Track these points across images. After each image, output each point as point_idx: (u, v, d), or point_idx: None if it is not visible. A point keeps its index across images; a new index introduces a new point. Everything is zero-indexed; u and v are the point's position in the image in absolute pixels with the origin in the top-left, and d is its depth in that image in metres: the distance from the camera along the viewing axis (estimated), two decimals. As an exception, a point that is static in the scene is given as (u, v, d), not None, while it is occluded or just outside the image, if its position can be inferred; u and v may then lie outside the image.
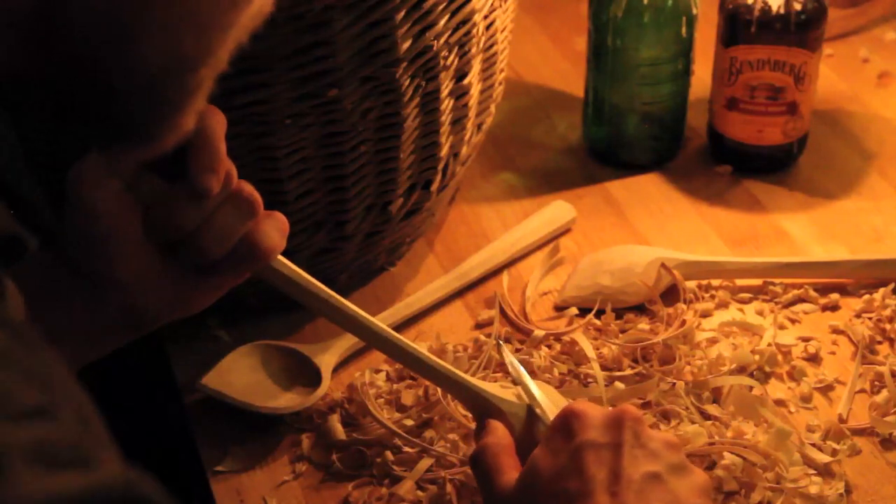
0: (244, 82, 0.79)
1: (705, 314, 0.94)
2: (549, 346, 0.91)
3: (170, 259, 0.69)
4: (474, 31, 0.90)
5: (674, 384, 0.87)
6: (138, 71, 0.48)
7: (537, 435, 0.75)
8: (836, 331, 0.93)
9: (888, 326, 0.92)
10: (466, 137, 0.97)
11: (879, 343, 0.91)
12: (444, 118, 0.91)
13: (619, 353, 0.89)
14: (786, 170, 1.10)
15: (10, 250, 0.56)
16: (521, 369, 0.79)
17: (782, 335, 0.92)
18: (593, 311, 0.94)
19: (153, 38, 0.47)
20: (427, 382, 0.86)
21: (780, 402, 0.87)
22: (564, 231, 1.04)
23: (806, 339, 0.92)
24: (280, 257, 0.74)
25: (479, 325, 0.95)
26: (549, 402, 0.77)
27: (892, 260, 0.97)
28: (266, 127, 0.82)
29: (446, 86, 0.90)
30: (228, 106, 0.78)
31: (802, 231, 1.04)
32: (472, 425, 0.79)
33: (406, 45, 0.84)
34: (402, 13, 0.82)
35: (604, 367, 0.88)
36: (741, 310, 0.95)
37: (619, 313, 0.94)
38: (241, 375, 0.87)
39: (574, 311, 0.95)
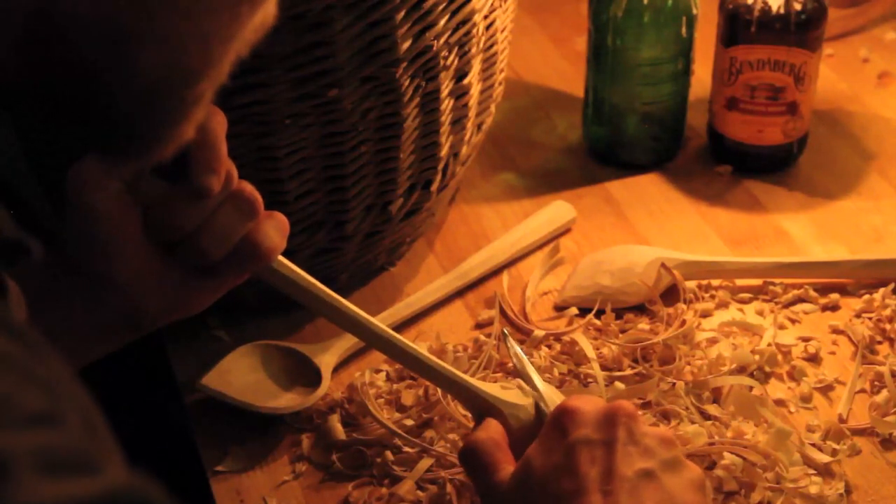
0: (244, 82, 0.79)
1: (705, 314, 0.94)
2: (549, 346, 0.91)
3: (170, 259, 0.69)
4: (474, 31, 0.90)
5: (674, 384, 0.87)
6: (138, 82, 0.48)
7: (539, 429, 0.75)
8: (836, 331, 0.93)
9: (888, 326, 0.92)
10: (466, 137, 0.97)
11: (879, 343, 0.91)
12: (444, 118, 0.91)
13: (619, 353, 0.89)
14: (786, 170, 1.10)
15: (14, 254, 0.55)
16: (526, 360, 0.79)
17: (782, 335, 0.92)
18: (593, 311, 0.94)
19: (153, 49, 0.47)
20: (427, 382, 0.86)
21: (780, 402, 0.87)
22: (564, 231, 1.04)
23: (806, 339, 0.92)
24: (280, 258, 0.74)
25: (479, 325, 0.95)
26: (552, 395, 0.77)
27: (892, 260, 0.97)
28: (266, 127, 0.82)
29: (446, 86, 0.90)
30: (228, 106, 0.78)
31: (802, 231, 1.04)
32: (472, 425, 0.79)
33: (406, 45, 0.84)
34: (402, 13, 0.82)
35: (604, 367, 0.89)
36: (741, 310, 0.95)
37: (619, 313, 0.94)
38: (241, 375, 0.87)
39: (574, 311, 0.95)
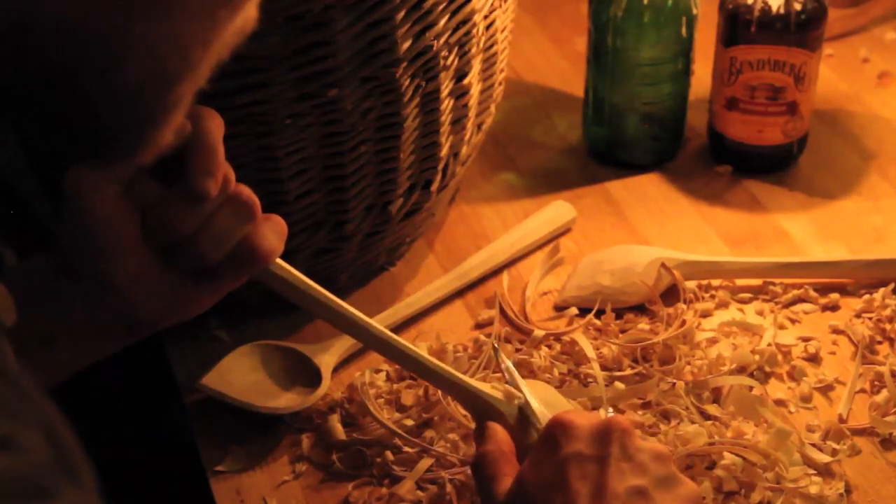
0: (244, 82, 0.79)
1: (705, 314, 0.94)
2: (549, 346, 0.91)
3: (168, 263, 0.69)
4: (474, 31, 0.90)
5: (674, 384, 0.87)
6: (117, 86, 0.48)
7: (531, 441, 0.74)
8: (836, 331, 0.93)
9: (888, 326, 0.92)
10: (466, 137, 0.97)
11: (879, 343, 0.91)
12: (444, 118, 0.91)
13: (619, 353, 0.89)
14: (786, 170, 1.10)
15: None
16: (517, 376, 0.79)
17: (782, 335, 0.92)
18: (593, 311, 0.94)
19: (132, 54, 0.47)
20: (427, 383, 0.86)
21: (780, 402, 0.87)
22: (564, 231, 1.04)
23: (806, 339, 0.92)
24: (279, 260, 0.74)
25: (479, 325, 0.95)
26: (544, 410, 0.77)
27: (892, 260, 0.97)
28: (266, 127, 0.82)
29: (446, 86, 0.90)
30: (228, 106, 0.79)
31: (802, 231, 1.04)
32: (472, 425, 0.79)
33: (406, 45, 0.84)
34: (402, 13, 0.82)
35: (604, 367, 0.88)
36: (741, 310, 0.95)
37: (619, 313, 0.94)
38: (241, 375, 0.87)
39: (574, 311, 0.95)
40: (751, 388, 0.86)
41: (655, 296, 0.94)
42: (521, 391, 0.78)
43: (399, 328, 0.93)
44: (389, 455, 0.82)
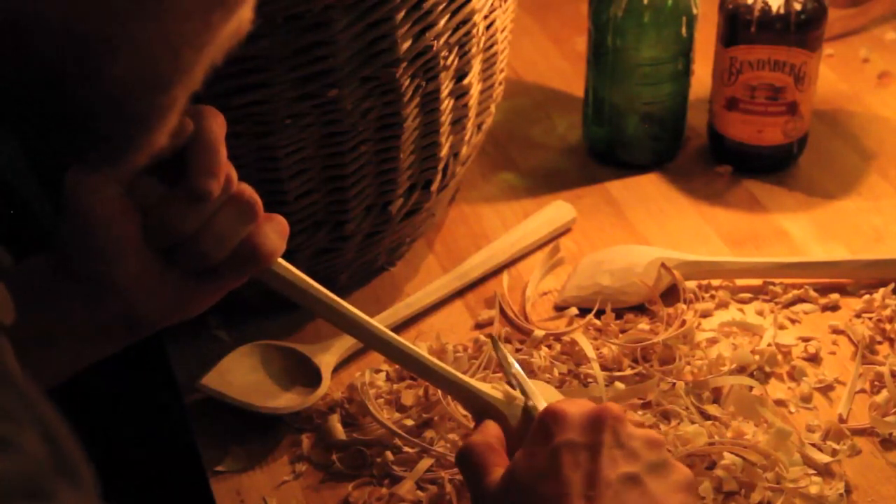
0: (244, 82, 0.79)
1: (705, 314, 0.94)
2: (549, 346, 0.91)
3: (168, 263, 0.69)
4: (474, 31, 0.90)
5: (674, 384, 0.87)
6: (109, 89, 0.47)
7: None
8: (836, 331, 0.93)
9: (888, 326, 0.92)
10: (466, 137, 0.97)
11: (879, 343, 0.91)
12: (444, 118, 0.91)
13: (619, 353, 0.89)
14: (786, 170, 1.10)
15: None
16: (517, 366, 0.79)
17: (782, 335, 0.92)
18: (593, 311, 0.94)
19: (124, 57, 0.47)
20: (427, 383, 0.86)
21: (780, 402, 0.87)
22: (564, 231, 1.04)
23: (806, 339, 0.92)
24: (280, 260, 0.74)
25: (479, 325, 0.95)
26: (542, 399, 0.77)
27: (892, 260, 0.97)
28: (266, 127, 0.82)
29: (446, 86, 0.90)
30: (228, 106, 0.79)
31: (802, 231, 1.04)
32: (472, 425, 0.79)
33: (406, 45, 0.84)
34: (402, 13, 0.82)
35: (604, 367, 0.88)
36: (741, 310, 0.95)
37: (619, 313, 0.94)
38: (241, 375, 0.87)
39: (574, 311, 0.95)
40: (751, 388, 0.86)
41: (655, 296, 0.94)
42: (520, 381, 0.77)
43: (399, 328, 0.93)
44: (389, 455, 0.82)
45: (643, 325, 0.92)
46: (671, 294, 0.96)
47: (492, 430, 0.74)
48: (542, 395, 0.79)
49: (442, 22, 0.86)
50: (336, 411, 0.86)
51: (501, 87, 1.01)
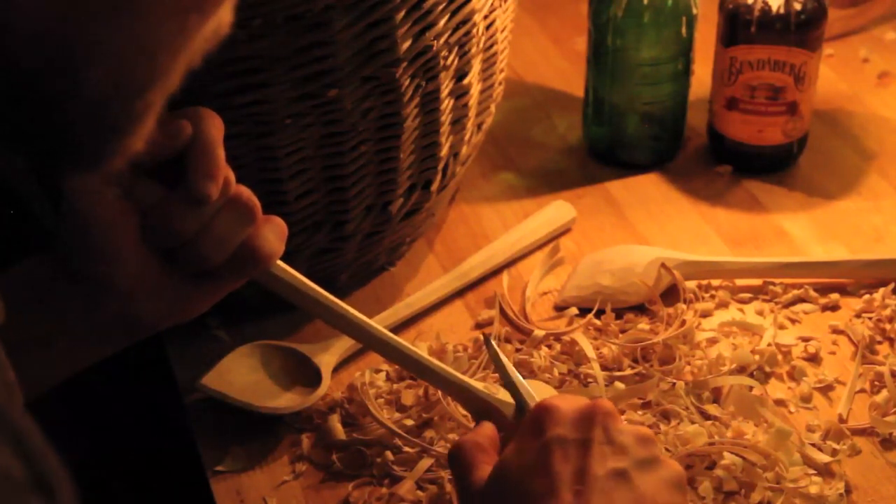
0: (244, 82, 0.79)
1: (705, 314, 0.94)
2: (549, 346, 0.91)
3: (167, 265, 0.69)
4: (474, 31, 0.90)
5: (674, 384, 0.87)
6: (83, 93, 0.47)
7: None
8: (836, 331, 0.93)
9: (888, 326, 0.92)
10: (466, 137, 0.97)
11: (879, 343, 0.91)
12: (444, 118, 0.91)
13: (619, 353, 0.89)
14: (786, 170, 1.10)
15: None
16: (507, 363, 0.78)
17: (782, 335, 0.92)
18: (593, 311, 0.94)
19: (98, 61, 0.46)
20: (427, 383, 0.86)
21: (780, 402, 0.87)
22: (564, 231, 1.04)
23: (806, 339, 0.92)
24: (279, 262, 0.74)
25: (479, 325, 0.95)
26: (535, 398, 0.76)
27: (892, 260, 0.97)
28: (266, 127, 0.82)
29: (446, 86, 0.90)
30: (228, 106, 0.79)
31: (802, 231, 1.04)
32: (472, 425, 0.79)
33: (406, 45, 0.84)
34: (402, 13, 0.82)
35: (604, 367, 0.88)
36: (741, 310, 0.95)
37: (619, 313, 0.94)
38: (241, 375, 0.87)
39: (574, 311, 0.95)
40: (751, 388, 0.86)
41: (655, 296, 0.94)
42: (512, 381, 0.77)
43: (399, 328, 0.93)
44: (389, 455, 0.82)
45: (643, 325, 0.92)
46: (671, 294, 0.96)
47: (484, 430, 0.74)
48: (540, 395, 0.79)
49: (442, 22, 0.86)
50: (336, 411, 0.86)
51: (501, 87, 1.01)
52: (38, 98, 0.47)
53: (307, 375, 0.87)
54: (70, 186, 0.66)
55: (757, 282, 0.97)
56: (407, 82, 0.86)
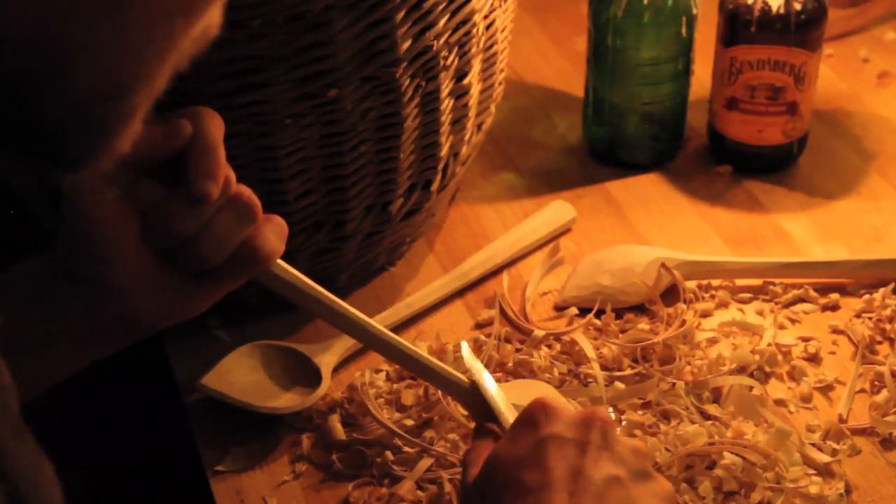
0: (244, 82, 0.79)
1: (705, 314, 0.94)
2: (549, 346, 0.91)
3: (167, 264, 0.69)
4: (474, 31, 0.90)
5: (674, 384, 0.87)
6: (69, 95, 0.47)
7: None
8: (836, 331, 0.93)
9: (888, 326, 0.92)
10: (466, 137, 0.97)
11: (879, 343, 0.91)
12: (444, 118, 0.91)
13: (619, 353, 0.89)
14: (786, 170, 1.10)
15: None
16: (482, 372, 0.78)
17: (782, 335, 0.92)
18: (593, 311, 0.94)
19: (84, 63, 0.46)
20: (427, 383, 0.86)
21: (780, 402, 0.87)
22: (564, 231, 1.04)
23: (806, 339, 0.92)
24: (279, 261, 0.74)
25: (479, 325, 0.95)
26: (505, 406, 0.76)
27: (892, 260, 0.97)
28: (266, 127, 0.82)
29: (446, 86, 0.90)
30: (228, 106, 0.79)
31: (802, 231, 1.04)
32: (472, 425, 0.79)
33: (406, 45, 0.84)
34: (402, 13, 0.82)
35: (604, 367, 0.89)
36: (741, 310, 0.95)
37: (619, 313, 0.94)
38: (241, 375, 0.87)
39: (574, 311, 0.95)
40: (751, 388, 0.86)
41: (655, 296, 0.94)
42: (483, 386, 0.77)
43: (399, 328, 0.93)
44: (389, 455, 0.82)
45: (643, 325, 0.92)
46: (671, 294, 0.96)
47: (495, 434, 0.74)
48: (541, 395, 0.79)
49: (442, 22, 0.86)
50: (336, 411, 0.86)
51: (501, 87, 1.01)
52: (23, 98, 0.46)
53: (307, 375, 0.87)
54: (70, 187, 0.66)
55: (757, 282, 0.97)
56: (407, 82, 0.86)
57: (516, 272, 1.00)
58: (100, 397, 1.07)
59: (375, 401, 0.86)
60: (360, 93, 0.83)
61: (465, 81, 0.92)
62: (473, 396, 0.77)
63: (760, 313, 0.94)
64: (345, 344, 0.89)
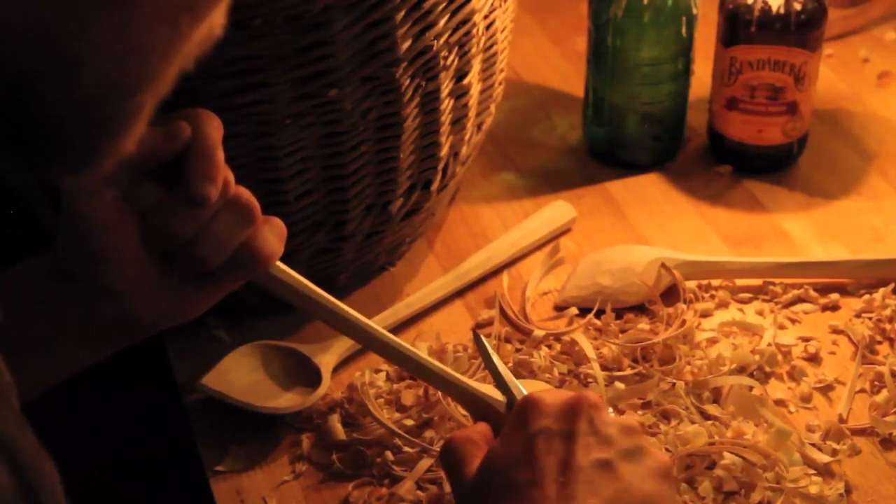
0: (244, 82, 0.79)
1: (705, 314, 0.94)
2: (549, 346, 0.91)
3: (166, 267, 0.69)
4: (474, 31, 0.90)
5: (674, 384, 0.87)
6: (73, 96, 0.47)
7: None
8: (836, 331, 0.93)
9: (888, 326, 0.92)
10: (466, 137, 0.97)
11: (879, 343, 0.91)
12: (444, 118, 0.91)
13: (619, 353, 0.89)
14: (786, 170, 1.10)
15: None
16: (500, 361, 0.78)
17: (782, 335, 0.92)
18: (593, 311, 0.94)
19: (89, 64, 0.46)
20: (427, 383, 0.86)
21: (780, 402, 0.87)
22: (564, 231, 1.04)
23: (806, 339, 0.92)
24: (278, 263, 0.74)
25: (479, 325, 0.95)
26: (523, 391, 0.76)
27: (892, 260, 0.97)
28: (266, 127, 0.82)
29: (446, 86, 0.90)
30: (228, 106, 0.79)
31: (802, 231, 1.04)
32: (472, 425, 0.79)
33: (406, 45, 0.84)
34: (402, 13, 0.82)
35: (604, 367, 0.89)
36: (741, 310, 0.95)
37: (619, 313, 0.94)
38: (241, 375, 0.87)
39: (574, 311, 0.95)
40: (751, 388, 0.86)
41: (655, 296, 0.94)
42: (503, 378, 0.77)
43: (399, 328, 0.93)
44: (389, 455, 0.82)
45: (643, 325, 0.92)
46: (671, 294, 0.96)
47: (478, 427, 0.74)
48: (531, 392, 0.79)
49: (442, 22, 0.86)
50: (336, 411, 0.86)
51: (501, 87, 1.01)
52: (26, 99, 0.46)
53: (307, 375, 0.87)
54: (69, 188, 0.66)
55: (757, 282, 0.97)
56: (407, 82, 0.86)
57: (516, 272, 1.00)
58: (100, 397, 1.07)
59: (375, 401, 0.86)
60: (360, 93, 0.83)
61: (465, 81, 0.92)
62: (473, 397, 0.77)
63: (760, 313, 0.94)
64: (345, 344, 0.89)
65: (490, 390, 0.78)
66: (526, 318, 0.95)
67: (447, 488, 0.80)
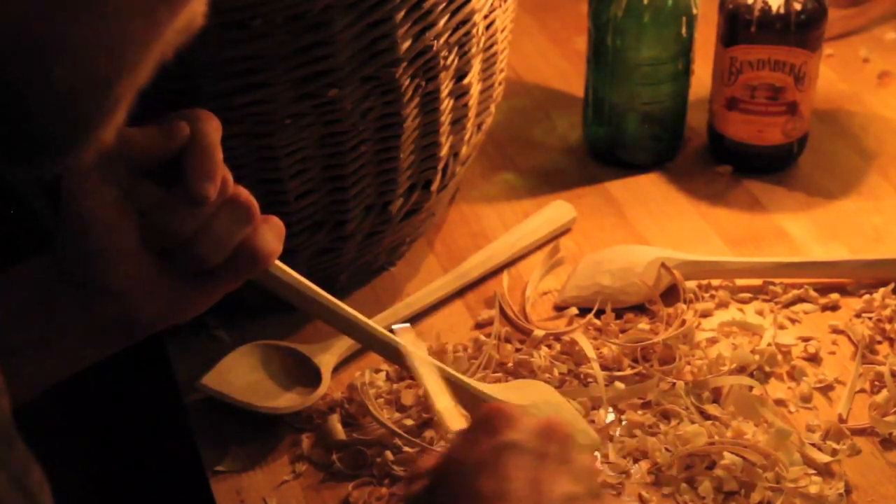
0: (244, 82, 0.79)
1: (705, 314, 0.94)
2: (549, 346, 0.91)
3: (165, 266, 0.69)
4: (474, 31, 0.90)
5: (674, 384, 0.87)
6: (51, 87, 0.47)
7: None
8: (836, 331, 0.93)
9: (888, 326, 0.92)
10: (466, 137, 0.97)
11: (879, 343, 0.91)
12: (444, 118, 0.91)
13: (619, 353, 0.89)
14: (786, 170, 1.10)
15: None
16: (424, 367, 0.77)
17: (782, 335, 0.92)
18: (593, 311, 0.94)
19: (69, 58, 0.46)
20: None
21: (780, 402, 0.87)
22: (564, 231, 1.04)
23: (806, 339, 0.92)
24: (277, 262, 0.74)
25: (479, 325, 0.95)
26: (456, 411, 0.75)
27: (892, 260, 0.97)
28: (266, 127, 0.82)
29: (446, 86, 0.90)
30: (228, 106, 0.79)
31: (802, 231, 1.04)
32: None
33: (406, 45, 0.84)
34: (402, 13, 0.82)
35: (604, 367, 0.89)
36: (741, 310, 0.95)
37: (619, 313, 0.94)
38: (241, 375, 0.87)
39: (574, 311, 0.95)
40: (751, 388, 0.86)
41: (655, 296, 0.94)
42: (418, 373, 0.76)
43: (399, 328, 0.93)
44: (389, 455, 0.82)
45: (643, 324, 0.92)
46: (671, 294, 0.96)
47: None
48: (541, 395, 0.79)
49: (442, 22, 0.86)
50: (336, 411, 0.86)
51: (501, 87, 1.01)
52: (4, 92, 0.46)
53: (307, 375, 0.87)
54: (68, 187, 0.66)
55: (757, 282, 0.97)
56: (407, 82, 0.86)
57: (516, 272, 1.00)
58: (100, 397, 1.07)
59: (375, 401, 0.86)
60: (360, 93, 0.83)
61: (465, 81, 0.92)
62: (472, 397, 0.77)
63: (760, 313, 0.95)
64: (345, 344, 0.89)
65: (490, 389, 0.78)
66: (526, 318, 0.95)
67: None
